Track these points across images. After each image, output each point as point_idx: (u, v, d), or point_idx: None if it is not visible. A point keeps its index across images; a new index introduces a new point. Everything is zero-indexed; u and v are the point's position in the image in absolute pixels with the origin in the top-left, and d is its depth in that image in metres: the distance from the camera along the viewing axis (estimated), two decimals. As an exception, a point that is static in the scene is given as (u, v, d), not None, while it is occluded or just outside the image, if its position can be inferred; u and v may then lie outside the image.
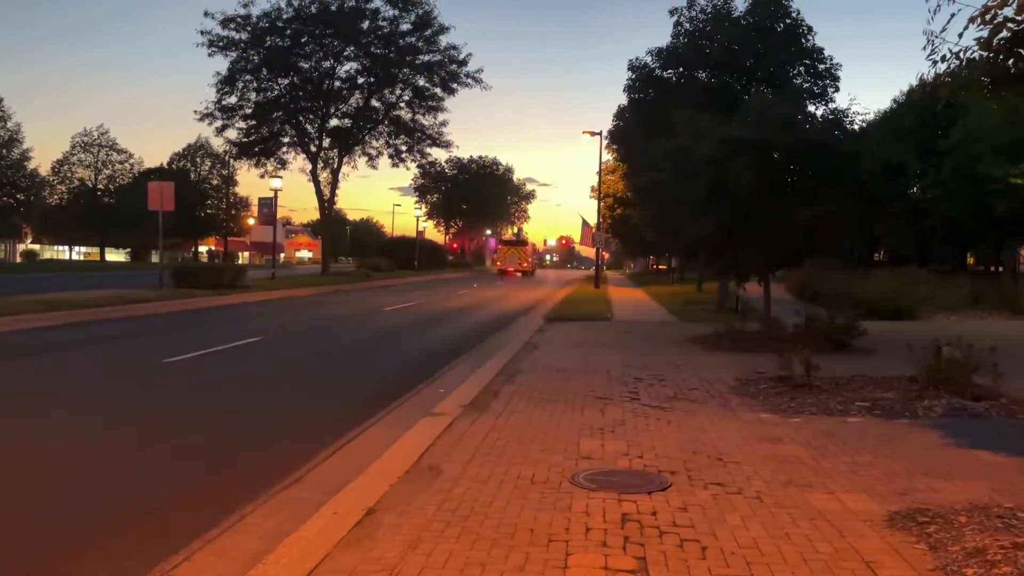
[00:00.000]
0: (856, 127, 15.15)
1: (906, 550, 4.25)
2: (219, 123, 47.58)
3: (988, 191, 30.31)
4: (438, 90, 50.37)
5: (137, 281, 31.32)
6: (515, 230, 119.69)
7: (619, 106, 24.40)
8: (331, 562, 4.09)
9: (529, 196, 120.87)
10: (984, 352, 8.64)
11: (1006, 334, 15.64)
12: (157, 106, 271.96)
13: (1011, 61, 5.43)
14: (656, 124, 18.47)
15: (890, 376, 9.81)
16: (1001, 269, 42.43)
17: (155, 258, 63.20)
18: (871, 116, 32.94)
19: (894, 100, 42.89)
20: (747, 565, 4.05)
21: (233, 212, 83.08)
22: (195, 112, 48.39)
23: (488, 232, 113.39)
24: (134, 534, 4.93)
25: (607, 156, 46.09)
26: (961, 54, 5.74)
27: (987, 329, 16.70)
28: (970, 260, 52.91)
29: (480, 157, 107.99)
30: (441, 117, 51.74)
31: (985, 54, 5.48)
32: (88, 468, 6.47)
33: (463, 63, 49.62)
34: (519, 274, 69.23)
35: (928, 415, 7.93)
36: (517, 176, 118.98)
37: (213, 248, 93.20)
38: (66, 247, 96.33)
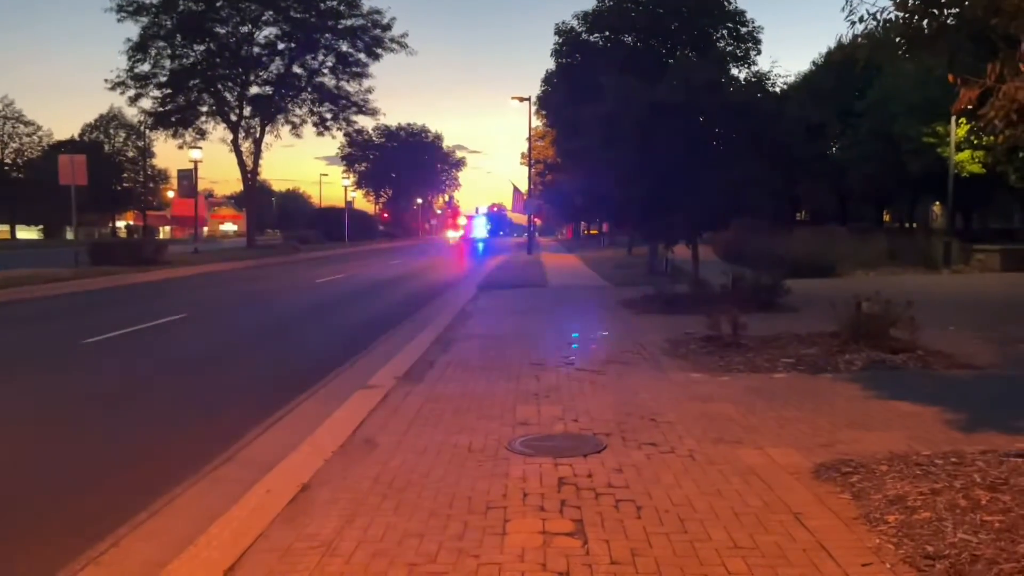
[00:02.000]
0: (777, 89, 15.46)
1: (831, 500, 4.40)
2: (132, 92, 45.87)
3: (903, 151, 31.36)
4: (362, 55, 49.51)
5: (51, 259, 29.98)
6: (446, 198, 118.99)
7: (547, 71, 24.36)
8: (265, 541, 4.01)
9: (459, 164, 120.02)
10: (901, 306, 8.98)
11: (921, 288, 16.30)
12: (65, 76, 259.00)
13: (925, 22, 5.58)
14: (584, 89, 18.48)
15: (813, 333, 10.12)
16: (915, 226, 44.18)
17: (70, 235, 60.61)
18: (792, 79, 33.70)
19: (813, 63, 43.81)
20: (681, 522, 4.13)
21: (151, 185, 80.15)
22: (106, 81, 46.49)
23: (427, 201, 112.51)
24: (56, 522, 4.74)
25: (537, 122, 46.10)
26: (878, 15, 5.88)
27: (903, 284, 17.39)
28: (886, 218, 54.92)
29: (408, 124, 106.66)
30: (366, 84, 51.00)
31: (901, 15, 5.61)
32: (2, 456, 6.18)
33: (387, 27, 48.81)
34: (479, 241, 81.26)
35: (849, 369, 8.21)
36: (447, 143, 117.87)
37: (132, 223, 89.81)
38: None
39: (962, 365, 8.39)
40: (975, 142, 28.38)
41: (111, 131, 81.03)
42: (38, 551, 4.31)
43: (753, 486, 4.67)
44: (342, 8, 47.80)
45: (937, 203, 47.51)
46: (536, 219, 62.22)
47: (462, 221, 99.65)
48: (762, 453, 5.33)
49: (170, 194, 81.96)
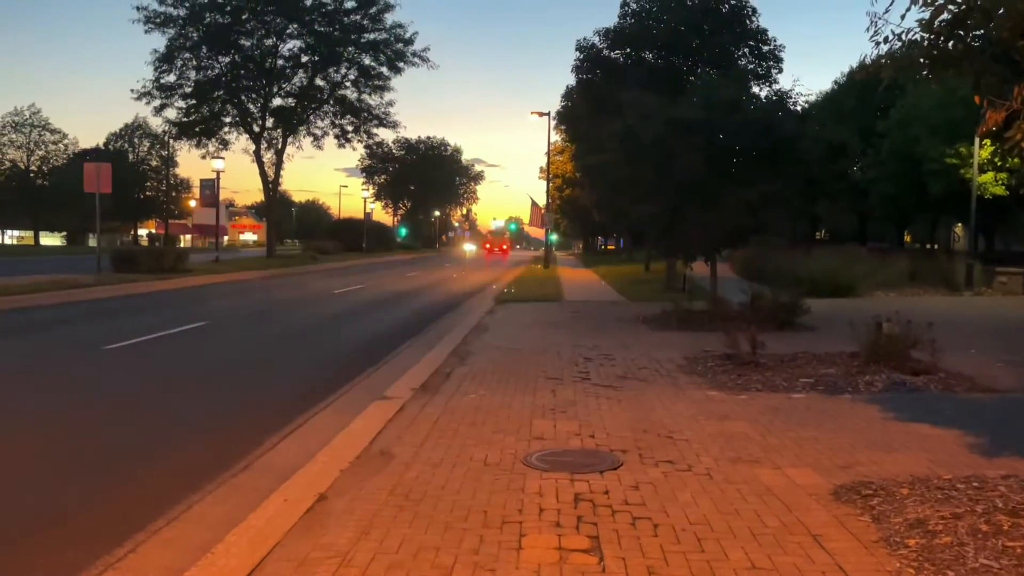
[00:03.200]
0: (799, 108, 15.42)
1: (851, 522, 4.36)
2: (157, 102, 46.37)
3: (924, 171, 31.17)
4: (384, 69, 49.81)
5: (74, 266, 30.34)
6: (464, 211, 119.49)
7: (567, 87, 24.45)
8: (282, 550, 4.03)
9: (478, 177, 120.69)
10: (922, 328, 8.90)
11: (942, 310, 16.15)
12: (92, 85, 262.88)
13: (951, 43, 5.56)
14: (604, 104, 18.55)
15: (832, 352, 10.05)
16: (936, 247, 43.82)
17: (92, 242, 61.19)
18: (813, 97, 33.64)
19: (835, 82, 43.72)
20: (698, 541, 4.11)
21: (174, 194, 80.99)
22: (132, 91, 47.08)
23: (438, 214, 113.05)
24: (76, 526, 4.78)
25: (556, 137, 46.19)
26: (903, 35, 5.86)
27: (924, 305, 17.23)
28: (907, 238, 54.50)
29: (428, 137, 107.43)
30: (388, 97, 51.39)
31: (926, 35, 5.60)
32: (26, 460, 6.25)
33: (409, 42, 49.13)
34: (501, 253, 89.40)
35: (869, 390, 8.14)
36: (465, 157, 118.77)
37: (153, 231, 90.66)
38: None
39: (984, 388, 8.29)
40: (999, 164, 28.19)
41: (135, 140, 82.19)
42: (59, 555, 4.34)
43: (771, 506, 4.64)
44: (365, 22, 48.26)
45: (959, 224, 47.10)
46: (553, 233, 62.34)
47: (487, 238, 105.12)
48: (780, 473, 5.29)
49: (192, 203, 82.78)
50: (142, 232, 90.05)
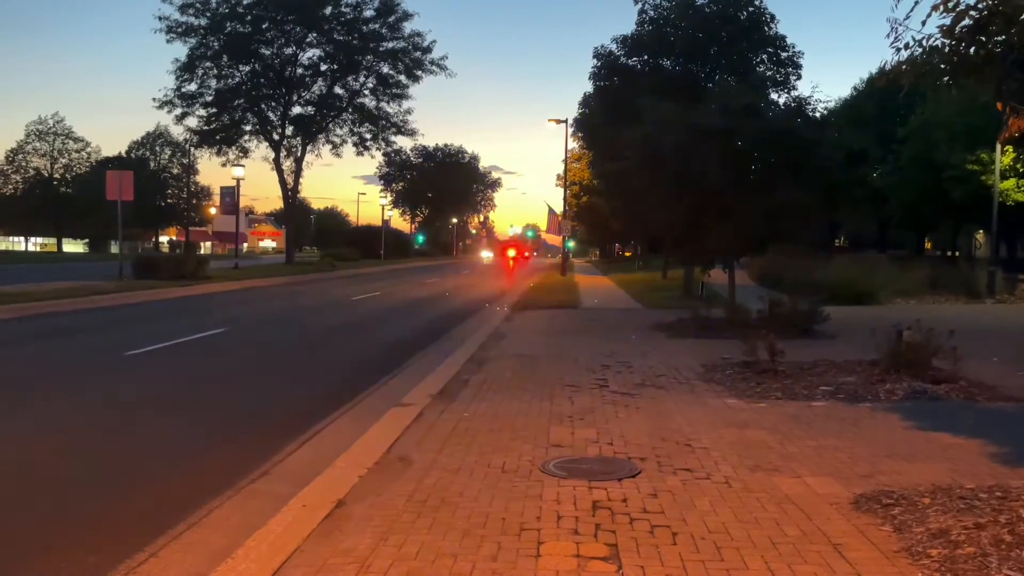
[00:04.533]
0: (818, 115, 15.37)
1: (872, 532, 4.32)
2: (179, 111, 46.86)
3: (945, 177, 30.91)
4: (402, 77, 50.03)
5: (96, 272, 30.67)
6: (481, 218, 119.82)
7: (585, 94, 24.55)
8: (301, 556, 4.05)
9: (495, 184, 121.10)
10: (943, 336, 8.81)
11: (964, 318, 15.98)
12: (115, 94, 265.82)
13: (972, 49, 5.52)
14: (621, 112, 18.55)
15: (852, 360, 9.97)
16: (957, 254, 43.37)
17: (114, 249, 61.96)
18: (832, 104, 33.46)
19: (855, 88, 43.53)
20: (717, 550, 4.09)
21: (194, 201, 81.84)
22: (154, 100, 47.57)
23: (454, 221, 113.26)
24: (98, 531, 4.82)
25: (573, 144, 46.26)
26: (924, 42, 5.82)
27: (945, 313, 17.05)
28: (927, 245, 54.03)
29: (446, 145, 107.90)
30: (406, 105, 51.44)
31: (948, 42, 5.56)
32: (48, 466, 6.32)
33: (427, 50, 49.30)
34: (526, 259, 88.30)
35: (890, 399, 8.07)
36: (483, 164, 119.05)
37: (174, 238, 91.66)
38: (21, 238, 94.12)
39: (1006, 397, 8.19)
40: (1021, 170, 27.89)
41: (157, 148, 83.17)
42: (81, 560, 4.38)
43: (791, 515, 4.60)
44: (384, 31, 48.52)
45: (980, 231, 46.61)
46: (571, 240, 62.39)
47: (509, 242, 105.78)
48: (800, 482, 5.25)
49: (212, 210, 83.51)
50: (163, 239, 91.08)
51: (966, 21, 5.47)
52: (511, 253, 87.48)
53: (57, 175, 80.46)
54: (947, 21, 5.55)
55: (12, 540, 4.69)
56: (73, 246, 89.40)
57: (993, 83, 5.88)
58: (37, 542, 4.65)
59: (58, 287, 22.81)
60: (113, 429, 7.51)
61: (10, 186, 79.86)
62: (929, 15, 5.59)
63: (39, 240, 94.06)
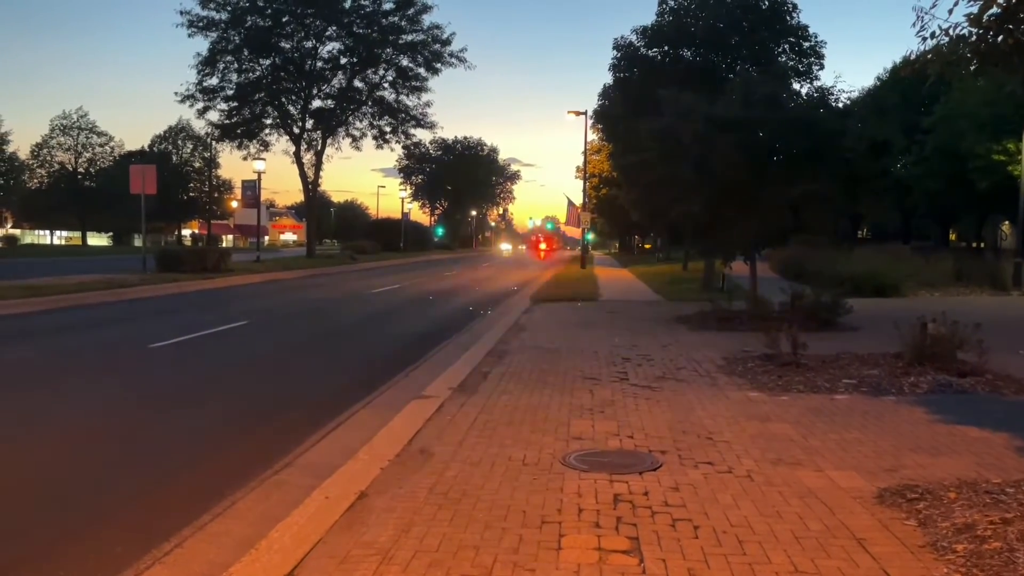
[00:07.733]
0: (841, 105, 15.16)
1: (896, 526, 4.29)
2: (200, 105, 47.19)
3: (970, 167, 30.49)
4: (422, 70, 50.03)
5: (120, 265, 31.00)
6: (500, 211, 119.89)
7: (604, 85, 24.41)
8: (324, 547, 4.08)
9: (514, 176, 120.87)
10: (969, 328, 8.71)
11: (989, 310, 15.78)
12: (137, 88, 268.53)
13: (1000, 38, 5.44)
14: (641, 103, 18.44)
15: (876, 353, 9.89)
16: (983, 245, 42.80)
17: (138, 242, 62.62)
18: (855, 94, 33.05)
19: (878, 78, 43.02)
20: (739, 543, 4.07)
21: (216, 195, 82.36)
22: (176, 94, 47.99)
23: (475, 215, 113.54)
24: (124, 521, 4.89)
25: (592, 136, 46.06)
26: (951, 30, 5.75)
27: (970, 305, 16.85)
28: (952, 236, 53.35)
29: (465, 138, 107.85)
30: (425, 98, 51.47)
31: (975, 30, 5.48)
32: (75, 457, 6.41)
33: (447, 43, 49.29)
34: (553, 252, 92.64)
35: (914, 392, 7.99)
36: (502, 156, 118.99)
37: (196, 231, 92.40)
38: (47, 231, 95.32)
39: (1034, 391, 8.08)
40: (1048, 160, 27.42)
41: (179, 142, 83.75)
42: (108, 549, 4.44)
43: (814, 509, 4.58)
44: (404, 24, 48.54)
45: (1006, 222, 45.95)
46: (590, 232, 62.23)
47: (535, 235, 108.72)
48: (823, 476, 5.22)
49: (234, 204, 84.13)
50: (185, 232, 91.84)
51: (994, 10, 5.39)
52: (543, 247, 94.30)
53: (81, 169, 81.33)
54: (974, 9, 5.48)
55: (41, 528, 4.76)
56: (97, 239, 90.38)
57: (1020, 72, 5.80)
58: (66, 531, 4.72)
59: (83, 280, 23.08)
60: (138, 421, 7.60)
61: (35, 180, 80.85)
62: (956, 3, 5.53)
63: (64, 233, 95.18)
